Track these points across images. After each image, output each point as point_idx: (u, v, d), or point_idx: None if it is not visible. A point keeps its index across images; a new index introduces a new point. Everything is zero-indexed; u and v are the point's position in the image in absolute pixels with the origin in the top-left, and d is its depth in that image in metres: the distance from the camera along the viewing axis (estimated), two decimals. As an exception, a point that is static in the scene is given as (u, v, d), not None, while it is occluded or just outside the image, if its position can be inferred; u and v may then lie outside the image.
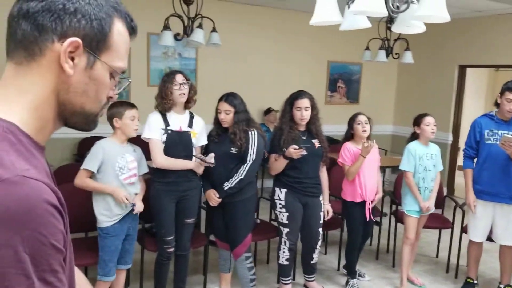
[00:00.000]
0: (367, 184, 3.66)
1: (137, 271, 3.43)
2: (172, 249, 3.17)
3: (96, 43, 0.82)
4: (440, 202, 4.27)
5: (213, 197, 3.19)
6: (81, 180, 2.82)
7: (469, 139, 3.74)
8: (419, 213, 3.72)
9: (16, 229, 0.69)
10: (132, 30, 0.89)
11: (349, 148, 3.68)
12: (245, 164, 3.16)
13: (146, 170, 3.08)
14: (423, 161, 3.67)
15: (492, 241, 3.75)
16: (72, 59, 0.80)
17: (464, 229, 4.04)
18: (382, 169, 6.29)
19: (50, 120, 0.84)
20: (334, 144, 5.54)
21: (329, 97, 7.61)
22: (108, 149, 2.84)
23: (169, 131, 3.05)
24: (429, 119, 3.66)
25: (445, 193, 4.69)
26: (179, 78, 3.07)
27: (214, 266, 3.73)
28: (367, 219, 3.73)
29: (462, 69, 7.23)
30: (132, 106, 2.92)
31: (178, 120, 3.10)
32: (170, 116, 3.09)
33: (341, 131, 3.96)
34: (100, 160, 2.81)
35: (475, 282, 3.84)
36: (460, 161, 7.74)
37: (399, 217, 4.21)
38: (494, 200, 3.58)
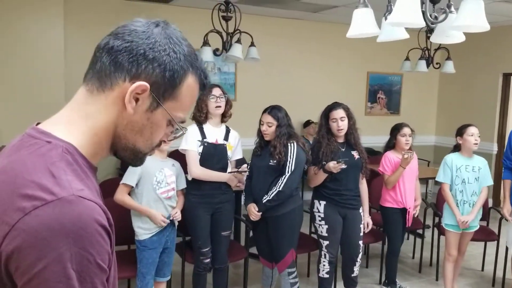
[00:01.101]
0: (407, 192, 3.71)
1: (178, 283, 3.50)
2: (208, 260, 3.22)
3: (163, 91, 0.87)
4: (485, 214, 4.14)
5: (253, 211, 3.22)
6: (121, 195, 2.89)
7: (506, 150, 3.71)
8: (458, 228, 3.61)
9: (68, 246, 0.73)
10: (203, 86, 0.94)
11: (390, 158, 3.71)
12: (283, 176, 3.17)
13: (184, 185, 3.14)
14: (461, 173, 3.57)
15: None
16: (137, 100, 0.86)
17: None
18: (425, 180, 6.19)
19: (104, 148, 0.90)
20: (375, 155, 5.49)
21: (369, 108, 7.55)
22: (147, 163, 2.87)
23: (206, 143, 3.12)
24: (472, 130, 3.57)
25: (490, 205, 4.54)
26: (216, 91, 3.15)
27: (254, 279, 3.75)
28: (408, 225, 3.73)
29: (507, 77, 7.01)
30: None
31: (214, 133, 3.18)
32: (207, 128, 3.17)
33: (382, 143, 3.95)
34: (138, 175, 2.87)
35: (524, 297, 3.70)
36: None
37: (441, 230, 4.10)
38: None
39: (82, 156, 0.85)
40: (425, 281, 4.23)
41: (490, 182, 3.67)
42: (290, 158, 3.16)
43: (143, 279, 2.93)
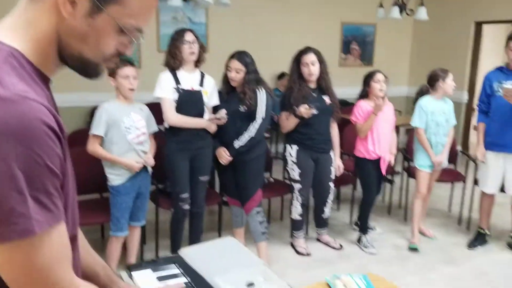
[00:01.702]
0: (381, 142, 3.63)
1: (153, 231, 3.54)
2: (187, 207, 3.26)
3: None
4: (453, 157, 4.27)
5: (224, 155, 3.24)
6: (93, 147, 2.85)
7: (481, 94, 3.78)
8: (431, 167, 3.73)
9: (12, 145, 0.70)
10: None
11: (363, 106, 3.64)
12: (255, 122, 3.19)
13: (156, 128, 3.11)
14: (435, 116, 3.66)
15: (504, 192, 3.75)
16: (74, 3, 0.81)
17: (476, 182, 4.05)
18: (396, 128, 6.30)
19: (51, 57, 0.86)
20: (348, 106, 5.53)
21: (343, 59, 7.54)
22: (111, 110, 2.83)
23: (181, 90, 3.09)
24: (451, 76, 3.64)
25: (459, 149, 4.68)
26: (189, 36, 3.08)
27: (228, 225, 3.82)
28: (383, 175, 3.76)
29: (478, 25, 7.06)
30: (126, 63, 2.85)
31: (189, 79, 3.13)
32: (181, 75, 3.12)
33: (355, 94, 3.91)
34: (105, 123, 2.81)
35: (487, 232, 3.88)
36: (475, 120, 7.71)
37: (412, 173, 4.23)
38: (503, 151, 3.61)
39: (29, 62, 0.83)
40: (394, 221, 4.40)
41: (455, 122, 3.80)
42: (260, 104, 3.17)
43: (117, 223, 2.95)
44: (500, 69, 3.66)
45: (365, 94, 3.71)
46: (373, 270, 3.37)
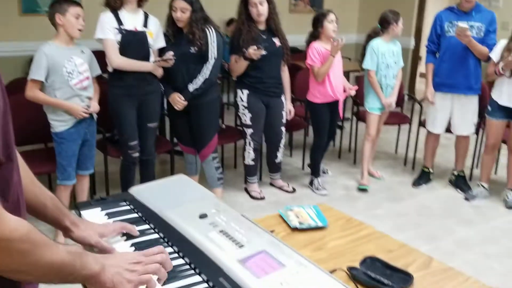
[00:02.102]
0: (337, 84, 3.64)
1: (103, 182, 3.45)
2: (137, 154, 3.18)
3: None
4: (400, 100, 4.38)
5: (179, 100, 3.15)
6: (32, 92, 2.69)
7: (431, 34, 3.80)
8: (380, 110, 3.82)
9: None
10: None
11: (318, 48, 3.55)
12: (208, 63, 3.10)
13: (99, 71, 2.98)
14: (385, 58, 3.70)
15: (450, 132, 3.91)
16: None
17: (421, 124, 4.20)
18: (346, 74, 6.36)
19: None
20: (300, 53, 5.50)
21: (293, 5, 7.43)
22: (51, 54, 2.67)
23: (124, 31, 2.93)
24: (401, 19, 3.68)
25: (405, 92, 4.80)
26: None
27: (180, 173, 3.78)
28: (341, 117, 3.81)
29: (425, -29, 7.12)
30: (77, 4, 2.74)
31: (132, 20, 2.97)
32: (123, 15, 2.95)
33: (305, 42, 3.86)
34: (45, 68, 2.66)
35: (431, 171, 4.07)
36: (422, 68, 7.91)
37: (361, 117, 4.32)
38: (452, 91, 3.70)
39: None
40: (344, 164, 4.52)
41: (402, 63, 3.86)
42: (211, 44, 3.07)
43: (63, 172, 2.85)
44: (450, 9, 3.69)
45: (317, 35, 3.61)
46: (324, 210, 3.48)
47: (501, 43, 3.44)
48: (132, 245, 1.20)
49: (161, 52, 3.16)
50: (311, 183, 3.92)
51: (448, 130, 3.90)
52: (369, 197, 3.79)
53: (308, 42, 3.69)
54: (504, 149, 3.83)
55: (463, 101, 3.71)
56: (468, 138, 3.86)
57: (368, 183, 3.90)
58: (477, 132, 4.03)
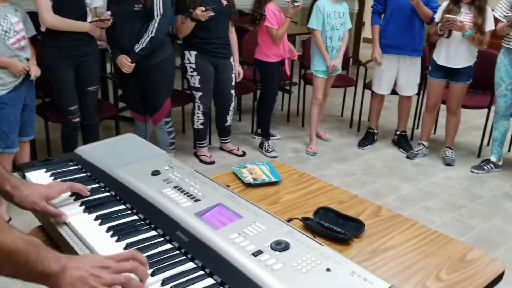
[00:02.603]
0: (285, 43, 3.72)
1: (44, 149, 3.30)
2: (77, 119, 3.04)
3: None
4: (345, 63, 4.45)
5: (126, 63, 3.01)
6: None
7: None
8: (326, 73, 3.85)
9: None
10: None
11: (273, 10, 3.58)
12: (153, 21, 2.97)
13: (34, 31, 2.80)
14: (331, 19, 3.70)
15: (395, 94, 4.03)
16: None
17: (366, 86, 4.30)
18: (293, 37, 6.36)
19: None
20: (245, 16, 5.40)
21: (238, -32, 7.25)
22: None
23: None
24: None
25: (350, 55, 4.88)
26: None
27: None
28: (287, 75, 3.85)
29: None
30: None
31: None
32: (57, -29, 2.76)
33: (249, 4, 3.81)
34: None
35: (375, 131, 4.20)
36: (365, 33, 8.05)
37: (308, 80, 4.35)
38: (398, 53, 3.78)
39: None
40: (293, 128, 4.57)
41: (350, 25, 3.89)
42: (156, 0, 2.94)
43: (6, 139, 2.68)
44: None
45: None
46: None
47: (443, 5, 3.54)
48: (82, 203, 1.15)
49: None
50: (261, 145, 3.95)
51: (393, 91, 4.01)
52: (318, 158, 3.87)
53: (263, 3, 3.62)
54: (443, 110, 4.00)
55: (408, 63, 3.81)
56: (410, 99, 4.00)
57: (315, 150, 3.96)
58: (418, 93, 4.18)
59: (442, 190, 3.34)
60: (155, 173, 1.26)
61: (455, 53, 3.49)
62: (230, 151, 3.87)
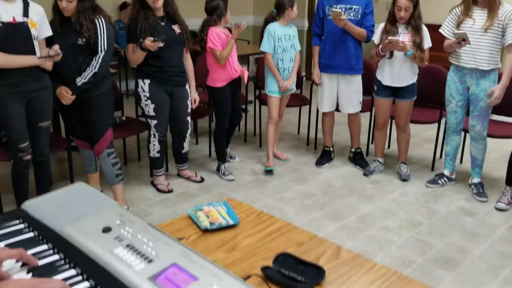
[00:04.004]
0: (234, 63, 3.73)
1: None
2: (28, 157, 2.91)
3: None
4: (299, 82, 4.51)
5: (65, 95, 2.93)
6: None
7: (315, 17, 3.96)
8: (279, 92, 3.89)
9: None
10: None
11: (217, 33, 3.60)
12: (97, 56, 2.90)
13: None
14: (282, 42, 3.76)
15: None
16: None
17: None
18: (246, 57, 6.41)
19: None
20: (194, 37, 5.38)
21: (188, -12, 7.25)
22: None
23: (0, 24, 2.63)
24: (296, 4, 3.74)
25: (303, 74, 4.95)
26: None
27: (81, 171, 3.56)
28: (245, 83, 3.87)
29: (316, -46, 7.33)
30: None
31: (9, 10, 2.66)
32: (-1, 5, 2.65)
33: (198, 25, 3.80)
34: None
35: (331, 149, 4.26)
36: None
37: (264, 100, 4.37)
38: (336, 72, 3.89)
39: None
40: (250, 148, 4.57)
41: (299, 47, 3.95)
42: (101, 35, 2.87)
43: None
44: None
45: (215, 20, 3.61)
46: (234, 197, 3.50)
47: (381, 26, 3.66)
48: (29, 270, 1.08)
49: (51, 42, 2.89)
50: (218, 168, 3.92)
51: (337, 109, 4.10)
52: (277, 179, 3.88)
53: (206, 27, 3.66)
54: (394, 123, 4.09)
55: (347, 80, 3.91)
56: (358, 116, 4.09)
57: (273, 165, 3.98)
58: (370, 110, 4.28)
59: (399, 207, 3.41)
60: (106, 229, 1.20)
61: (398, 73, 3.61)
62: (188, 178, 3.81)
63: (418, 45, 3.50)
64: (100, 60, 2.90)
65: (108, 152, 3.16)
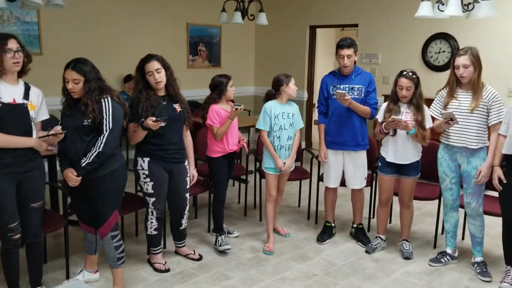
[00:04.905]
0: (233, 139, 3.86)
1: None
2: (18, 235, 2.84)
3: None
4: (298, 155, 4.53)
5: (71, 176, 2.90)
6: None
7: (319, 96, 4.04)
8: (277, 170, 3.88)
9: None
10: None
11: (217, 110, 3.75)
12: (102, 136, 2.91)
13: None
14: (279, 120, 3.81)
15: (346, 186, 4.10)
16: None
17: (320, 178, 4.36)
18: (247, 128, 6.49)
19: None
20: (199, 108, 5.50)
21: (191, 61, 7.49)
22: None
23: (1, 104, 2.67)
24: (293, 80, 3.82)
25: (303, 147, 4.98)
26: (12, 44, 2.69)
27: (77, 247, 3.49)
28: (247, 152, 4.00)
29: (313, 29, 7.65)
30: None
31: (11, 92, 2.72)
32: (2, 87, 2.70)
33: (205, 95, 3.93)
34: None
35: (333, 225, 4.20)
36: (316, 115, 8.36)
37: (262, 174, 4.37)
38: (342, 148, 3.93)
39: None
40: (250, 223, 4.51)
41: (302, 124, 3.99)
42: (106, 115, 2.90)
43: None
44: (333, 73, 3.97)
45: (217, 98, 3.80)
46: (232, 276, 3.41)
47: (383, 105, 3.73)
48: None
49: (48, 125, 2.93)
50: (216, 241, 3.86)
51: (343, 184, 4.08)
52: (277, 258, 3.78)
53: (208, 104, 3.80)
54: (396, 198, 4.07)
55: (353, 156, 3.94)
56: (362, 191, 4.07)
57: (272, 248, 3.89)
58: (371, 184, 4.26)
59: (402, 288, 3.31)
60: None
61: (402, 150, 3.63)
62: (186, 256, 3.73)
63: (420, 124, 3.55)
64: (104, 140, 2.90)
65: (112, 235, 3.08)
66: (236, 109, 3.69)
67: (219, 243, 3.82)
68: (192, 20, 7.37)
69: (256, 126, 3.90)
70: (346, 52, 3.75)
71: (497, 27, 5.54)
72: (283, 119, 3.82)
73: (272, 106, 3.82)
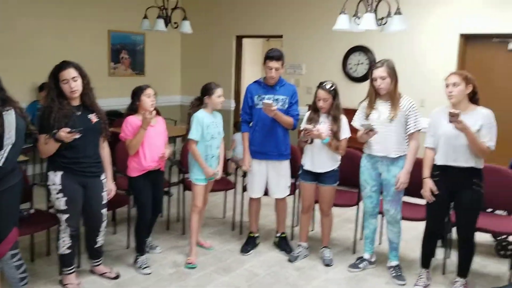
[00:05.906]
0: (153, 155, 3.59)
1: None
2: None
3: None
4: (223, 165, 4.48)
5: None
6: None
7: (244, 105, 4.03)
8: (206, 180, 3.82)
9: None
10: None
11: (132, 122, 3.54)
12: (3, 151, 2.69)
13: None
14: (210, 129, 3.76)
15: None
16: None
17: (244, 188, 4.34)
18: (173, 139, 6.35)
19: None
20: (121, 117, 5.30)
21: (113, 68, 7.22)
22: None
23: None
24: (219, 91, 3.74)
25: (228, 157, 4.95)
26: None
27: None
28: (162, 169, 3.75)
29: (239, 39, 7.68)
30: None
31: None
32: None
33: (126, 104, 3.75)
34: None
35: (256, 235, 4.20)
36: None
37: (187, 185, 4.28)
38: (265, 158, 3.95)
39: None
40: (173, 237, 4.38)
41: (223, 133, 3.96)
42: (8, 128, 2.69)
43: None
44: (258, 83, 3.98)
45: (135, 109, 3.61)
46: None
47: (306, 114, 3.80)
48: None
49: None
50: (135, 261, 3.70)
51: (267, 193, 4.09)
52: (199, 271, 3.70)
53: (126, 115, 3.65)
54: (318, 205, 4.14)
55: (276, 166, 3.97)
56: (285, 201, 4.11)
57: (195, 261, 3.80)
58: (294, 193, 4.31)
59: (323, 295, 3.36)
60: None
61: (318, 158, 3.72)
62: (102, 275, 3.53)
63: (335, 134, 3.65)
64: (5, 154, 2.69)
65: (13, 253, 2.85)
66: (146, 116, 3.45)
67: (139, 264, 3.67)
68: (114, 27, 7.12)
69: (189, 136, 3.74)
70: (275, 64, 3.79)
71: (408, 40, 5.87)
72: (213, 128, 3.78)
73: (204, 116, 3.75)
